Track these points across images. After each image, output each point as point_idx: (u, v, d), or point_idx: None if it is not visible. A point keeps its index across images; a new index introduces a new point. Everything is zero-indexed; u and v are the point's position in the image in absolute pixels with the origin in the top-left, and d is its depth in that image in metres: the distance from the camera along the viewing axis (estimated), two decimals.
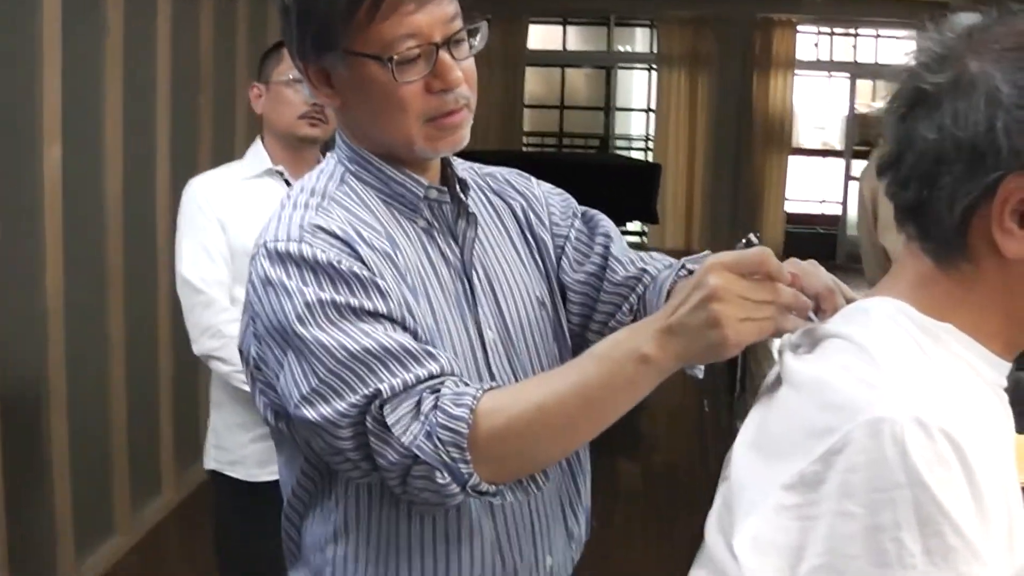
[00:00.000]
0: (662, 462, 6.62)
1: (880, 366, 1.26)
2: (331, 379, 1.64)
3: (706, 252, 1.95)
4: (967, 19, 3.12)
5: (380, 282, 1.71)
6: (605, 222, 2.15)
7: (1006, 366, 1.36)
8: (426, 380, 1.64)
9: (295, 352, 1.68)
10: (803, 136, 17.84)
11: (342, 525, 1.89)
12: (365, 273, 1.70)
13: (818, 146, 18.23)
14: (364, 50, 1.74)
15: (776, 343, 1.58)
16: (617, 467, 6.31)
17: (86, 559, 5.04)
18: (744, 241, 1.61)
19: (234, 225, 3.37)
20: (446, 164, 1.95)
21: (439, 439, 1.59)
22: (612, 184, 10.44)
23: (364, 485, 1.84)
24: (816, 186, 15.89)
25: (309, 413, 1.66)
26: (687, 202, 14.02)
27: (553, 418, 1.60)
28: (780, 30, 13.84)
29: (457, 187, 1.94)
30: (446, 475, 1.61)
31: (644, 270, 2.07)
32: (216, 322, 3.33)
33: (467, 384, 1.67)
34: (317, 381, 1.65)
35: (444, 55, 1.76)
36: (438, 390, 1.64)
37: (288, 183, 3.45)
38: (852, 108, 15.07)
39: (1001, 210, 1.26)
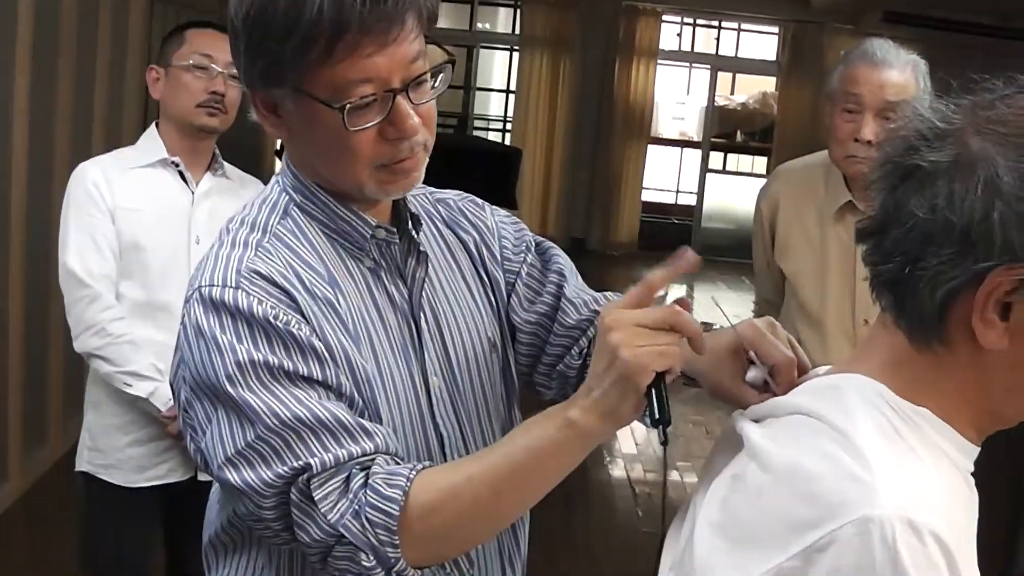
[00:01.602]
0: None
1: (867, 458, 1.20)
2: (259, 444, 1.55)
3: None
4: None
5: (318, 344, 1.61)
6: (560, 258, 2.03)
7: (975, 451, 1.33)
8: (358, 457, 1.56)
9: (223, 410, 1.59)
10: (662, 126, 18.00)
11: None
12: (303, 332, 1.60)
13: (676, 136, 18.44)
14: (315, 92, 1.60)
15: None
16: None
17: None
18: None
19: (125, 217, 3.20)
20: (398, 198, 1.83)
21: (367, 519, 1.52)
22: (472, 168, 10.37)
23: (297, 550, 1.72)
24: (673, 176, 16.00)
25: (232, 476, 1.57)
26: (544, 186, 13.98)
27: (482, 492, 1.54)
28: (645, 18, 13.87)
29: (409, 223, 1.82)
30: (371, 557, 1.53)
31: (596, 312, 1.96)
32: (100, 319, 3.16)
33: (399, 462, 1.60)
34: (243, 444, 1.56)
35: (401, 102, 1.63)
36: (368, 467, 1.56)
37: (183, 175, 3.30)
38: (712, 100, 15.21)
39: (985, 301, 1.21)
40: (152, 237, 3.20)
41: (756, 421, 1.41)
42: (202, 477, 3.21)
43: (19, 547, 5.21)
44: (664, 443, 1.51)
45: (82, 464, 3.35)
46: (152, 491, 3.29)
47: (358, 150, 1.63)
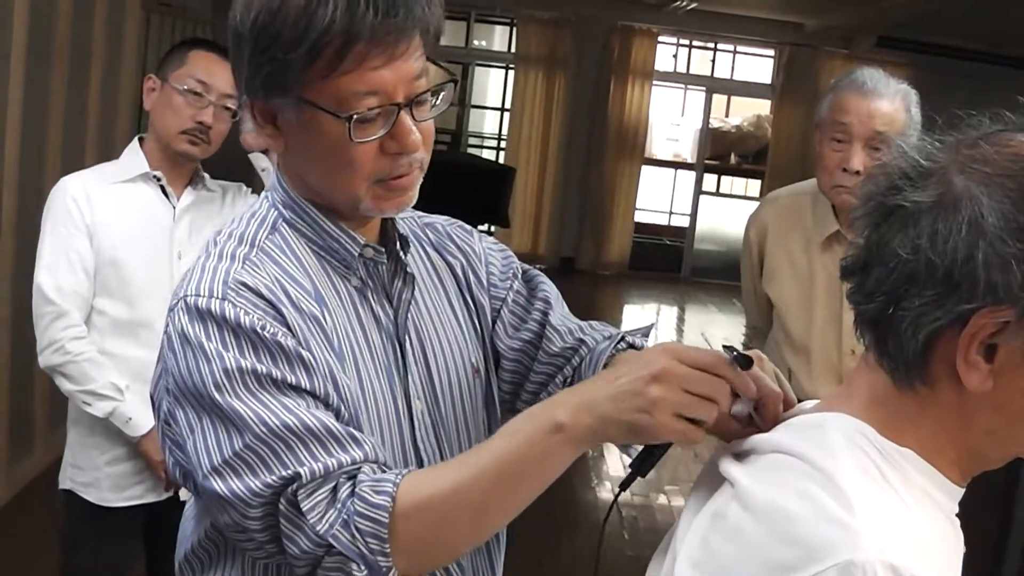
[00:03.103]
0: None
1: (850, 500, 1.18)
2: (246, 453, 1.52)
3: (650, 324, 1.96)
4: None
5: (304, 354, 1.59)
6: (546, 286, 2.03)
7: (959, 492, 1.31)
8: (346, 466, 1.54)
9: (209, 418, 1.56)
10: (656, 146, 17.99)
11: None
12: (289, 343, 1.58)
13: (670, 157, 18.42)
14: (319, 102, 1.60)
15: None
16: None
17: None
18: (724, 348, 1.48)
19: (105, 233, 3.18)
20: (388, 218, 1.82)
21: (357, 528, 1.49)
22: (466, 185, 10.38)
23: (272, 564, 1.70)
24: (666, 197, 15.99)
25: (218, 486, 1.54)
26: (536, 205, 14.00)
27: (469, 497, 1.51)
28: (640, 39, 13.90)
29: (397, 244, 1.82)
30: (362, 567, 1.50)
31: (582, 340, 1.96)
32: (61, 337, 3.14)
33: (385, 469, 1.57)
34: (231, 453, 1.53)
35: (405, 117, 1.63)
36: (355, 475, 1.53)
37: (164, 190, 3.28)
38: (706, 122, 15.20)
39: (969, 342, 1.20)
40: (133, 253, 3.18)
41: (738, 456, 1.39)
42: (182, 496, 3.20)
43: (0, 558, 5.16)
44: (622, 488, 1.54)
45: (65, 481, 3.33)
46: (130, 510, 3.28)
47: (358, 163, 1.62)
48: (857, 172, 3.03)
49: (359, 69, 1.56)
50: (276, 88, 1.61)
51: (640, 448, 1.54)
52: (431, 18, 1.61)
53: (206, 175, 3.38)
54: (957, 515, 1.31)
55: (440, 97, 1.70)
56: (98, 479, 3.25)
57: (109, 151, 6.33)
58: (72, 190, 3.18)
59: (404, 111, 1.62)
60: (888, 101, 3.04)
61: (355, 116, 1.58)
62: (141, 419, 3.13)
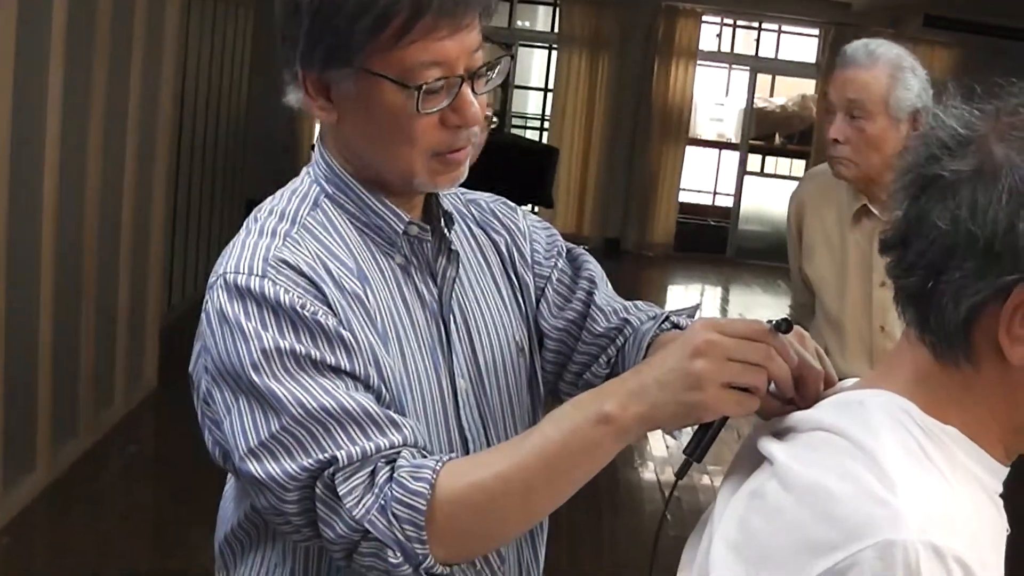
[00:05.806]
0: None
1: (892, 479, 1.15)
2: (283, 436, 1.50)
3: (696, 304, 1.93)
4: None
5: (345, 334, 1.57)
6: (591, 265, 1.99)
7: (1004, 471, 1.28)
8: (385, 450, 1.51)
9: (246, 399, 1.53)
10: (700, 127, 17.92)
11: None
12: (330, 322, 1.56)
13: (714, 138, 18.35)
14: (385, 72, 1.57)
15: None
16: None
17: None
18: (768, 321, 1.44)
19: None
20: (432, 195, 1.79)
21: (394, 515, 1.47)
22: (509, 165, 10.36)
23: (312, 547, 1.69)
24: (710, 178, 15.93)
25: (254, 468, 1.51)
26: (580, 186, 13.96)
27: (512, 486, 1.49)
28: (684, 19, 13.81)
29: (441, 221, 1.78)
30: (398, 554, 1.48)
31: (626, 321, 1.92)
32: None
33: (425, 455, 1.54)
34: (267, 435, 1.51)
35: (467, 90, 1.61)
36: (394, 460, 1.51)
37: None
38: (751, 102, 15.11)
39: (1011, 315, 1.16)
40: None
41: (778, 434, 1.36)
42: None
43: (42, 538, 5.20)
44: (679, 477, 1.50)
45: None
46: None
47: (420, 135, 1.61)
48: (836, 140, 3.10)
49: (426, 40, 1.55)
50: (336, 60, 1.59)
51: (692, 433, 1.50)
52: None
53: None
54: (1001, 494, 1.27)
55: (496, 71, 1.68)
56: None
57: (150, 144, 6.35)
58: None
59: (466, 83, 1.60)
60: (865, 70, 3.09)
61: (424, 86, 1.56)
62: None
